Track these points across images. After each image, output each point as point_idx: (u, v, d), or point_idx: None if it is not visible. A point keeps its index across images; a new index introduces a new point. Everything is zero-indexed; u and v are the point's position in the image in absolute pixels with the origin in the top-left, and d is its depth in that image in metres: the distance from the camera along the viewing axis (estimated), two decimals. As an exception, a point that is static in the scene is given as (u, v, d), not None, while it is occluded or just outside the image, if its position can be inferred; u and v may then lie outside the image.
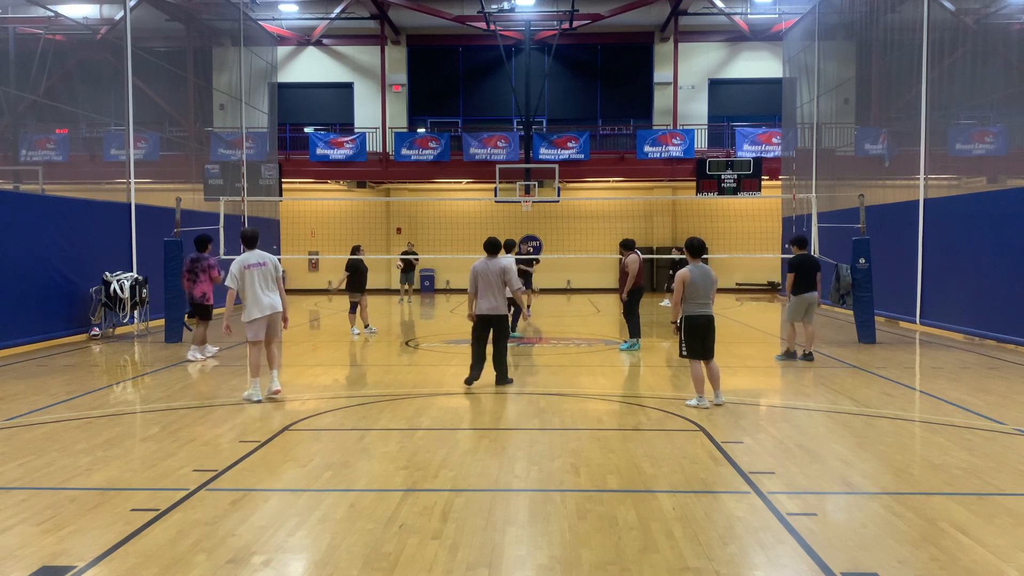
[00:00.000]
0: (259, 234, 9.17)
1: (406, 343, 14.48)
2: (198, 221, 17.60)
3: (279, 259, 9.42)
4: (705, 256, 8.72)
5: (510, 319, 14.57)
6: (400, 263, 23.68)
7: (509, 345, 10.00)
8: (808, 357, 11.78)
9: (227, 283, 8.69)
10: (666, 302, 17.05)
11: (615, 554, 4.46)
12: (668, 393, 9.32)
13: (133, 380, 10.67)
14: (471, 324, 9.57)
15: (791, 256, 12.05)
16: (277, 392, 8.92)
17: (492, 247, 9.70)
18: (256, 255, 8.78)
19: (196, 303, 12.29)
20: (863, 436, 7.24)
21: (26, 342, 13.17)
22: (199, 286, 12.26)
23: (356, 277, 15.27)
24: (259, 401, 8.71)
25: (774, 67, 27.94)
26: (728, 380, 10.46)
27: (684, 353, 8.43)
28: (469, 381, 9.49)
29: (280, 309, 8.74)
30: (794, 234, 12.53)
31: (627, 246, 13.28)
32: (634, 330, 13.15)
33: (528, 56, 26.84)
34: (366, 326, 15.51)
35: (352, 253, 15.70)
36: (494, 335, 9.59)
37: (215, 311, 12.79)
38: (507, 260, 14.16)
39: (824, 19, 22.81)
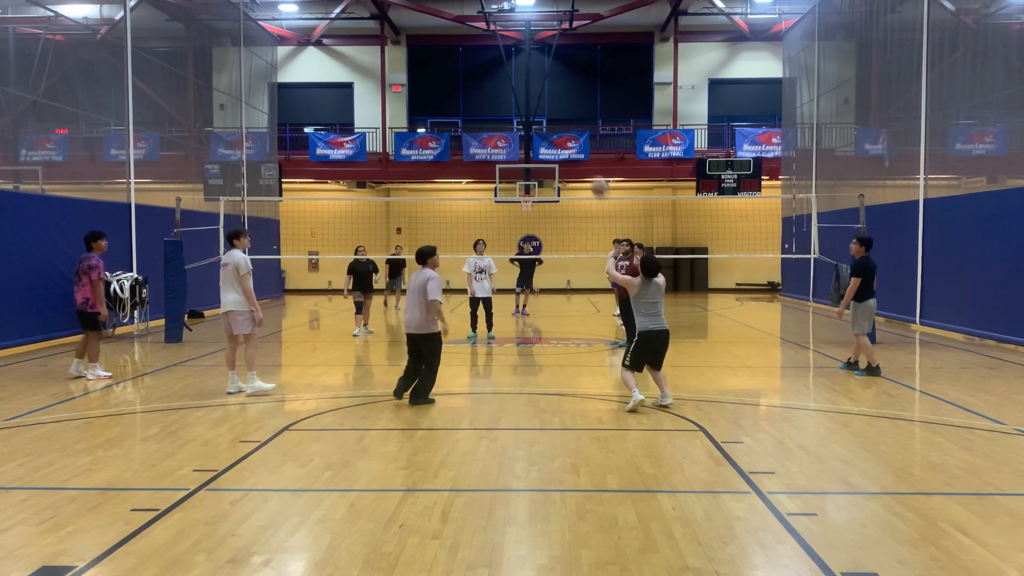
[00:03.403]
0: (239, 234, 9.31)
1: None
2: (198, 221, 17.60)
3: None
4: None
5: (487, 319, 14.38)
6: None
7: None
8: (853, 366, 10.79)
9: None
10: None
11: (615, 554, 4.46)
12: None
13: (133, 380, 10.66)
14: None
15: (857, 259, 10.60)
16: (249, 394, 9.07)
17: (419, 256, 8.68)
18: (227, 255, 9.13)
19: (78, 310, 10.38)
20: (863, 436, 7.24)
21: (26, 342, 13.18)
22: (80, 291, 10.35)
23: (357, 278, 15.24)
24: (231, 392, 9.09)
25: (774, 67, 27.95)
26: (728, 380, 10.48)
27: (627, 363, 8.29)
28: (397, 394, 8.70)
29: (231, 309, 8.99)
30: (861, 233, 10.76)
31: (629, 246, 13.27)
32: (633, 331, 13.03)
33: (528, 56, 26.85)
34: (364, 325, 15.47)
35: (355, 254, 15.67)
36: (425, 357, 8.54)
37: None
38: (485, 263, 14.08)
39: (824, 19, 22.82)
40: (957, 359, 12.09)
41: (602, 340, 14.73)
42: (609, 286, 19.61)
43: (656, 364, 8.40)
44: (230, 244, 9.25)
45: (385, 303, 22.83)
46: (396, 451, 6.68)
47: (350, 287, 15.31)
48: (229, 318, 9.06)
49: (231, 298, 9.00)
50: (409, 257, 24.23)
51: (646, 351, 8.26)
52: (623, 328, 16.70)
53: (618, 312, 18.14)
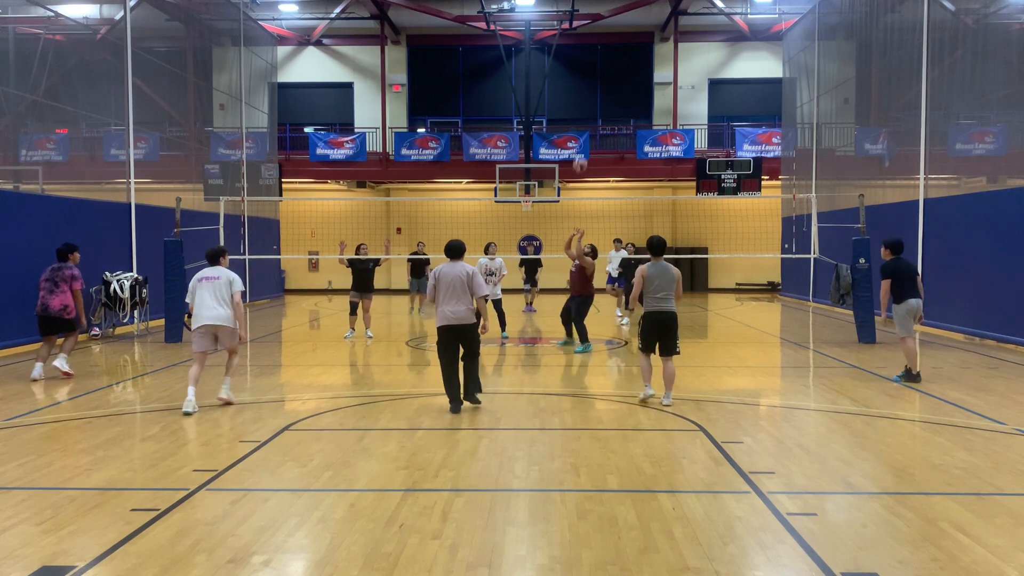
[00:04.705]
0: (225, 252, 9.02)
1: (406, 343, 14.46)
2: (198, 221, 17.60)
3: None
4: (666, 255, 8.68)
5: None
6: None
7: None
8: (912, 376, 10.02)
9: (187, 299, 8.80)
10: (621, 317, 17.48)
11: (615, 554, 4.46)
12: (668, 393, 9.31)
13: (133, 380, 10.67)
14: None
15: (884, 262, 10.31)
16: (222, 400, 8.61)
17: (453, 250, 8.44)
18: (212, 270, 8.71)
19: (53, 315, 10.51)
20: (863, 436, 7.24)
21: (26, 342, 13.17)
22: (58, 297, 10.53)
23: (356, 277, 14.88)
24: (189, 413, 8.16)
25: (774, 67, 27.94)
26: (728, 380, 10.49)
27: (640, 346, 8.67)
28: (455, 410, 8.25)
29: (223, 324, 8.51)
30: (889, 237, 10.66)
31: (593, 253, 13.34)
32: (583, 335, 13.09)
33: (528, 56, 26.84)
34: (366, 329, 15.04)
35: (356, 252, 15.35)
36: (466, 348, 8.40)
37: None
38: (498, 261, 14.17)
39: (824, 19, 22.82)
40: (957, 359, 12.09)
41: (602, 340, 14.73)
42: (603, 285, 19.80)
43: (665, 349, 8.53)
44: (215, 262, 8.79)
45: (415, 308, 21.00)
46: (396, 451, 6.68)
47: (347, 264, 14.88)
48: (219, 331, 8.56)
49: (223, 312, 8.51)
50: (434, 256, 23.39)
51: (652, 331, 8.53)
52: (623, 328, 16.79)
53: (619, 313, 18.35)
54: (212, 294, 8.53)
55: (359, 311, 15.09)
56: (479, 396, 8.59)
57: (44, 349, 10.51)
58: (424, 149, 27.64)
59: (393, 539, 4.68)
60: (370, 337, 14.88)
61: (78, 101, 18.88)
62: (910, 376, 10.00)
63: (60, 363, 10.51)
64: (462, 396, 8.37)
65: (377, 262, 15.14)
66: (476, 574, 4.22)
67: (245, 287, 9.03)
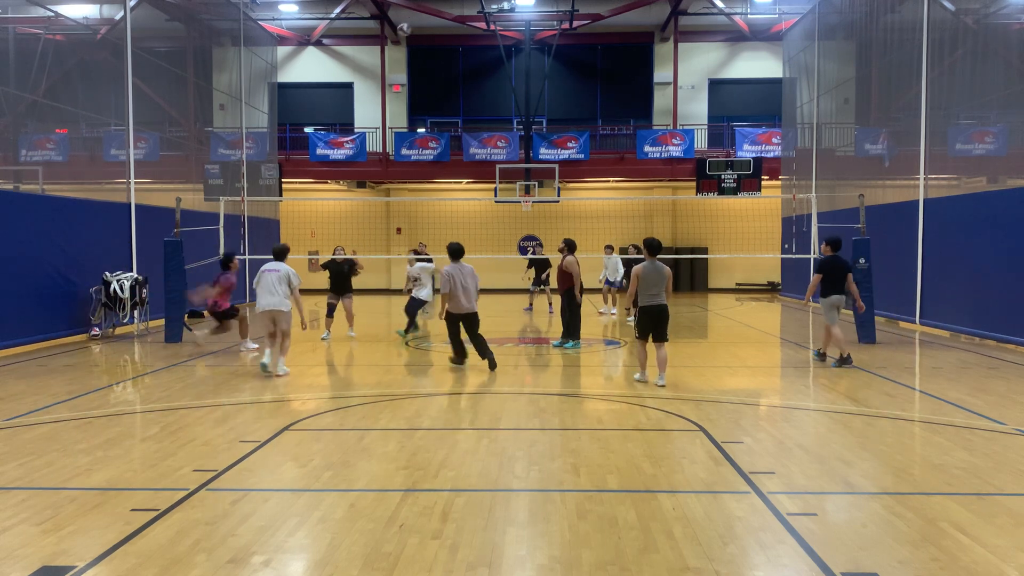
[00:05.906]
0: (286, 251, 10.91)
1: (406, 343, 14.46)
2: (198, 221, 17.60)
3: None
4: (661, 254, 9.78)
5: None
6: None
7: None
8: (821, 357, 11.78)
9: (254, 285, 10.65)
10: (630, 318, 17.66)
11: (615, 554, 4.46)
12: (668, 393, 9.31)
13: (133, 380, 10.67)
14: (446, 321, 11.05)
15: (823, 256, 11.54)
16: (278, 375, 10.42)
17: (458, 252, 10.90)
18: (275, 264, 10.55)
19: (209, 311, 13.27)
20: (863, 436, 7.24)
21: (26, 342, 13.18)
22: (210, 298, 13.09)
23: (333, 279, 14.64)
24: (265, 365, 10.42)
25: (774, 67, 27.93)
26: (728, 380, 10.49)
27: (637, 335, 9.90)
28: (460, 362, 11.11)
29: (278, 308, 10.38)
30: (830, 234, 11.88)
31: (571, 247, 13.33)
32: (575, 331, 13.24)
33: (528, 56, 26.84)
34: (348, 329, 14.93)
35: (334, 252, 15.09)
36: (470, 328, 10.96)
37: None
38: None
39: (824, 19, 22.81)
40: (957, 359, 12.09)
41: (601, 340, 14.73)
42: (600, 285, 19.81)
43: (658, 336, 9.70)
44: (280, 258, 10.69)
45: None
46: (396, 451, 6.68)
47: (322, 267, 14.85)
48: (275, 315, 10.34)
49: (277, 300, 10.31)
50: (438, 256, 22.91)
51: (648, 322, 9.71)
52: (623, 327, 16.80)
53: (615, 311, 18.36)
54: (271, 284, 10.31)
55: (342, 313, 14.98)
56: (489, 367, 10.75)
57: (240, 328, 13.33)
58: (424, 149, 27.63)
59: (393, 539, 4.68)
60: (352, 336, 14.79)
61: (78, 101, 18.89)
62: (843, 360, 11.13)
63: (198, 332, 13.51)
64: (490, 367, 10.79)
65: (352, 267, 14.79)
66: (476, 574, 4.22)
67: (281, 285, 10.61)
